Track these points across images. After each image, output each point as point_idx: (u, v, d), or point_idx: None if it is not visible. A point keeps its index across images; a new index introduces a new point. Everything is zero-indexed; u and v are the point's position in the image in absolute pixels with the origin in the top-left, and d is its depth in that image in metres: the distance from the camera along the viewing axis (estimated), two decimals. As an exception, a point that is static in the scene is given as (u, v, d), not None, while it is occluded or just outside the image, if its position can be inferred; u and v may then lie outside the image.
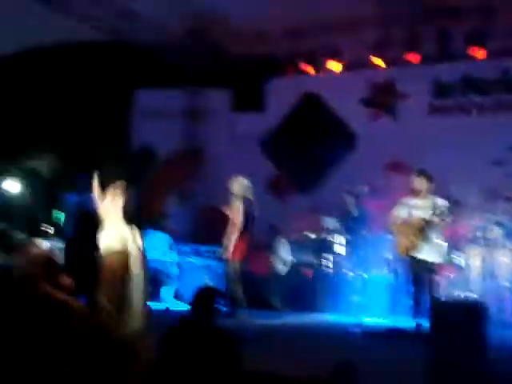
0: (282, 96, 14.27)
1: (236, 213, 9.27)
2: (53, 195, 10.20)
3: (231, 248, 9.34)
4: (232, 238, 9.33)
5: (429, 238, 7.81)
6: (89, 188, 9.83)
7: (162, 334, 4.74)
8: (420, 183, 7.97)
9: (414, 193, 8.03)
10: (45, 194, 15.55)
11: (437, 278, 7.93)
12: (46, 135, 14.22)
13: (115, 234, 2.19)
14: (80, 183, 9.80)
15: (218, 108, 14.86)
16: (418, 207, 7.94)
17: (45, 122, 14.00)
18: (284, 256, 11.03)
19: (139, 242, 2.23)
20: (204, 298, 4.88)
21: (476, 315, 5.15)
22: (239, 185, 9.30)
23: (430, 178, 8.01)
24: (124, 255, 2.18)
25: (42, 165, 16.11)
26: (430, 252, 7.83)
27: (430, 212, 7.80)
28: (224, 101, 14.87)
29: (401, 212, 8.06)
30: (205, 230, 11.37)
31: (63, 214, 10.11)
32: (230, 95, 14.87)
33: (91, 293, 9.45)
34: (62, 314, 1.36)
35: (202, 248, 11.25)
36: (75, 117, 14.20)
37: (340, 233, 10.77)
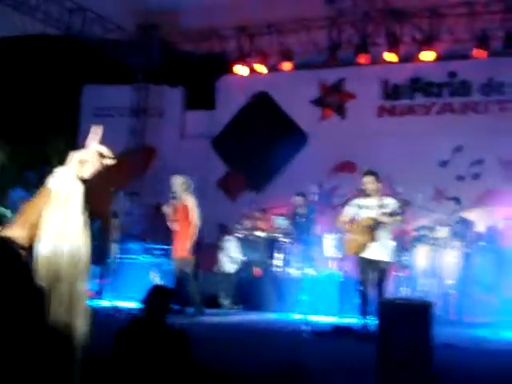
0: (232, 94, 14.27)
1: (180, 211, 9.30)
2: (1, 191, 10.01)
3: (177, 246, 9.40)
4: (177, 236, 9.40)
5: (377, 237, 7.89)
6: (35, 184, 9.73)
7: (115, 333, 4.72)
8: (368, 183, 8.05)
9: (363, 193, 8.11)
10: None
11: (385, 277, 8.01)
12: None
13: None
14: (26, 179, 9.67)
15: (169, 106, 14.78)
16: (367, 207, 8.02)
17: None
18: (233, 254, 11.03)
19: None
20: (156, 296, 4.88)
21: (422, 314, 5.23)
22: (179, 183, 9.37)
23: (377, 178, 8.10)
24: None
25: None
26: (377, 251, 7.92)
27: (378, 211, 7.88)
28: (175, 99, 14.80)
29: (350, 211, 8.13)
30: (154, 228, 11.31)
31: (8, 209, 9.92)
32: (181, 93, 14.82)
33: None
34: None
35: (152, 246, 11.18)
36: (22, 111, 13.98)
37: (289, 232, 10.81)
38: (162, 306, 4.83)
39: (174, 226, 9.56)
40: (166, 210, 9.62)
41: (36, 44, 13.27)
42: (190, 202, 9.47)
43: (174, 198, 9.55)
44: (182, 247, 9.38)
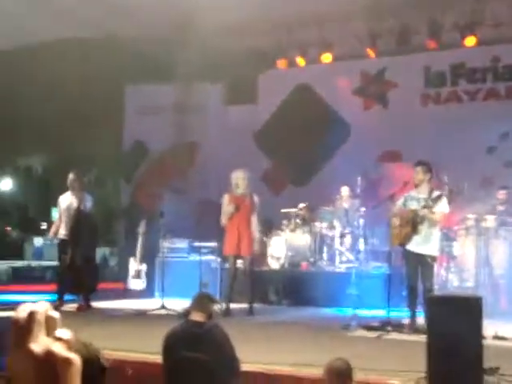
0: (274, 88, 14.27)
1: (244, 206, 9.21)
2: (47, 193, 10.19)
3: (239, 242, 9.27)
4: (233, 232, 9.26)
5: (420, 229, 7.83)
6: (83, 187, 9.86)
7: (165, 336, 4.83)
8: (418, 174, 7.98)
9: (414, 184, 8.06)
10: (39, 192, 15.55)
11: (430, 270, 7.94)
12: (40, 133, 14.20)
13: None
14: (75, 182, 9.81)
15: (210, 102, 14.85)
16: (413, 198, 7.96)
17: (39, 119, 13.98)
18: (280, 250, 11.04)
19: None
20: (200, 302, 4.97)
21: (471, 308, 5.18)
22: (242, 177, 9.27)
23: (428, 169, 8.02)
24: None
25: (38, 163, 16.10)
26: (422, 244, 7.85)
27: (423, 204, 7.82)
28: (217, 94, 14.86)
29: (399, 203, 8.08)
30: (202, 224, 11.38)
31: (58, 212, 10.12)
32: (223, 89, 14.86)
33: (86, 293, 9.44)
34: (63, 368, 1.37)
35: (199, 244, 11.24)
36: (70, 114, 14.17)
37: (336, 225, 10.78)
38: (205, 311, 4.91)
39: (233, 221, 9.31)
40: (227, 205, 9.30)
41: (74, 47, 13.43)
42: (256, 197, 9.39)
43: (231, 192, 9.33)
44: (248, 243, 9.31)
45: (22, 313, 1.24)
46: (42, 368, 1.26)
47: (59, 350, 1.27)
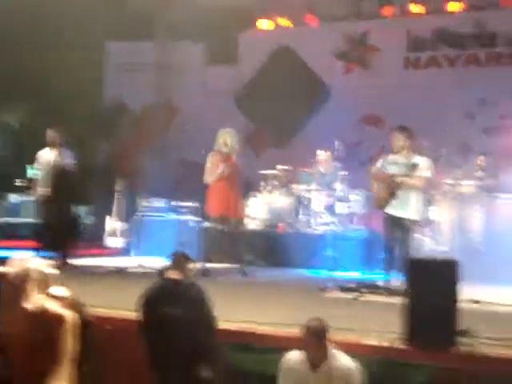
0: (255, 49, 14.15)
1: (231, 166, 8.98)
2: (26, 150, 10.07)
3: (222, 204, 9.09)
4: (221, 193, 9.18)
5: (400, 194, 7.85)
6: (63, 143, 9.75)
7: (142, 294, 4.85)
8: (398, 140, 7.97)
9: (394, 149, 8.05)
10: (17, 148, 15.35)
11: (409, 234, 8.00)
12: (17, 88, 13.97)
13: None
14: (55, 138, 9.70)
15: (191, 61, 14.69)
16: (393, 163, 7.96)
17: (17, 74, 13.74)
18: (258, 211, 11.04)
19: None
20: (177, 260, 5.00)
21: (449, 271, 5.23)
22: (230, 136, 9.09)
23: (409, 135, 8.01)
24: None
25: (15, 119, 15.86)
26: (402, 208, 7.88)
27: (402, 169, 7.83)
28: (198, 54, 14.70)
29: (378, 167, 8.08)
30: (180, 185, 11.32)
31: (37, 169, 9.99)
32: (203, 48, 14.71)
33: (65, 250, 9.40)
34: (57, 325, 1.37)
35: (177, 204, 11.21)
36: (48, 69, 13.95)
37: (314, 188, 10.79)
38: (182, 269, 4.94)
39: (222, 182, 9.04)
40: (214, 164, 9.01)
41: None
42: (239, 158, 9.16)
43: (218, 151, 9.05)
44: (238, 205, 9.21)
45: (14, 269, 1.22)
46: (36, 326, 1.25)
47: (53, 307, 1.25)
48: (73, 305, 1.94)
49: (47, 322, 1.31)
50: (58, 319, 1.31)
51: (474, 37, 12.50)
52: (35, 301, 1.27)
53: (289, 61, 13.86)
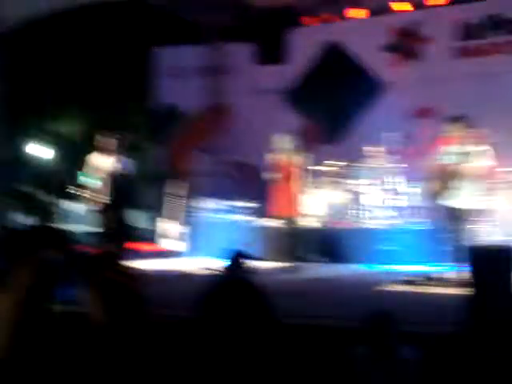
0: (304, 47, 14.10)
1: (287, 168, 9.29)
2: (81, 158, 10.17)
3: (281, 204, 9.39)
4: (282, 194, 9.39)
5: (462, 184, 7.74)
6: (121, 150, 9.83)
7: (204, 293, 4.85)
8: (456, 129, 7.86)
9: (453, 139, 7.94)
10: (73, 157, 15.64)
11: (471, 223, 7.87)
12: (71, 98, 14.24)
13: None
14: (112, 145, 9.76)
15: (241, 63, 14.73)
16: (453, 154, 7.85)
17: (70, 84, 14.01)
18: (313, 208, 11.01)
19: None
20: (237, 259, 5.03)
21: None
22: (286, 141, 9.52)
23: (466, 124, 7.89)
24: None
25: (69, 128, 16.17)
26: (462, 199, 7.77)
27: (463, 158, 7.71)
28: (247, 55, 14.73)
29: (438, 158, 7.98)
30: (236, 186, 11.35)
31: (92, 176, 10.07)
32: (253, 49, 14.74)
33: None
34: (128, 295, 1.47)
35: (234, 205, 11.24)
36: (100, 78, 14.18)
37: (371, 182, 10.72)
38: (242, 268, 4.97)
39: (277, 183, 9.50)
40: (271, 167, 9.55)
41: (105, 11, 13.38)
42: (300, 160, 9.52)
43: (279, 155, 9.56)
44: (294, 204, 9.40)
45: None
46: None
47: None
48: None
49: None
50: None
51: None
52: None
53: (338, 56, 13.77)
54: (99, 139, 9.74)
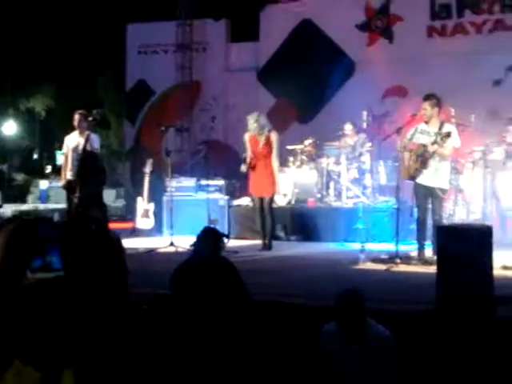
0: (276, 24, 14.03)
1: (263, 146, 9.27)
2: (51, 136, 10.10)
3: (256, 184, 9.38)
4: (254, 173, 9.34)
5: (430, 164, 7.80)
6: (89, 127, 9.78)
7: (173, 271, 4.88)
8: (427, 109, 7.91)
9: (423, 119, 7.98)
10: (42, 134, 15.49)
11: (439, 203, 7.96)
12: (41, 74, 14.07)
13: None
14: (81, 122, 9.72)
15: (212, 39, 14.65)
16: (424, 132, 7.90)
17: (39, 60, 13.84)
18: (286, 187, 11.02)
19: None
20: (207, 237, 5.03)
21: (481, 237, 5.19)
22: (259, 119, 9.36)
23: (436, 103, 7.94)
24: None
25: (39, 105, 15.98)
26: (432, 178, 7.84)
27: (432, 138, 7.77)
28: (219, 32, 14.65)
29: (408, 137, 8.03)
30: (208, 164, 11.31)
31: (65, 152, 10.03)
32: (225, 26, 14.66)
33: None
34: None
35: (206, 182, 11.21)
36: (71, 55, 14.02)
37: (341, 161, 10.75)
38: (214, 246, 4.97)
39: (250, 162, 9.37)
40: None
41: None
42: (274, 135, 9.41)
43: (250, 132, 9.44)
44: (268, 184, 9.35)
45: None
46: None
47: None
48: None
49: None
50: None
51: (498, 1, 12.29)
52: None
53: (311, 34, 13.73)
54: (74, 116, 9.71)
